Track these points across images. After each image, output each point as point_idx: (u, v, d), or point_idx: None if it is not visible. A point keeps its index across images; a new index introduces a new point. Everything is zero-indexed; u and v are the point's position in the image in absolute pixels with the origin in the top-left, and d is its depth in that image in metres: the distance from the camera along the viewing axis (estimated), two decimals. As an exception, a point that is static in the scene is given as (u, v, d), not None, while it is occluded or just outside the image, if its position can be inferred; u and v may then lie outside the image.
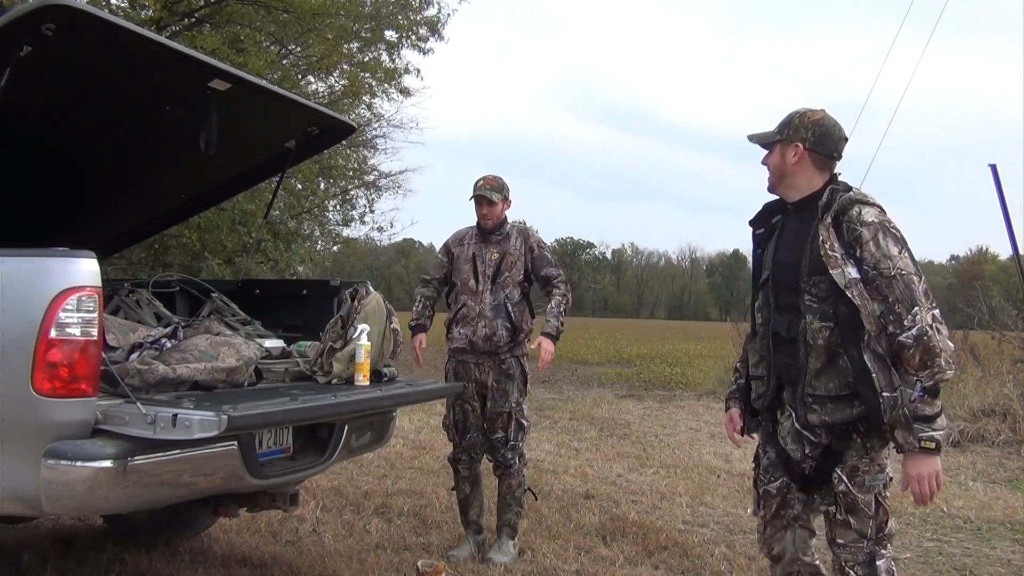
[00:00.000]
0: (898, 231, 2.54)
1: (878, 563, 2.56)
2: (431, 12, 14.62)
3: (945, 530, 5.24)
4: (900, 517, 5.47)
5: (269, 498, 3.38)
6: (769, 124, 2.79)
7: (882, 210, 2.58)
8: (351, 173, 16.08)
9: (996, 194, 8.30)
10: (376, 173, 17.04)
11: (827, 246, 2.54)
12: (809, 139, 2.64)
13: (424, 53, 14.58)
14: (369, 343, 3.45)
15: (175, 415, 2.51)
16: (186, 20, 11.12)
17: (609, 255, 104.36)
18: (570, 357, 18.20)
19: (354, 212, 16.41)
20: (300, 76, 13.22)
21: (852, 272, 2.51)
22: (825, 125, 2.66)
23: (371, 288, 3.76)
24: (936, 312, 2.47)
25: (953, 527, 5.31)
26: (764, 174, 2.77)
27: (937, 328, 2.43)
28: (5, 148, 3.36)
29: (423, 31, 14.54)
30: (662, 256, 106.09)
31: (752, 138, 2.78)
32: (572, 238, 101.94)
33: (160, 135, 3.73)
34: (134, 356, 3.08)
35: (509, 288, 4.26)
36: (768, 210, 2.81)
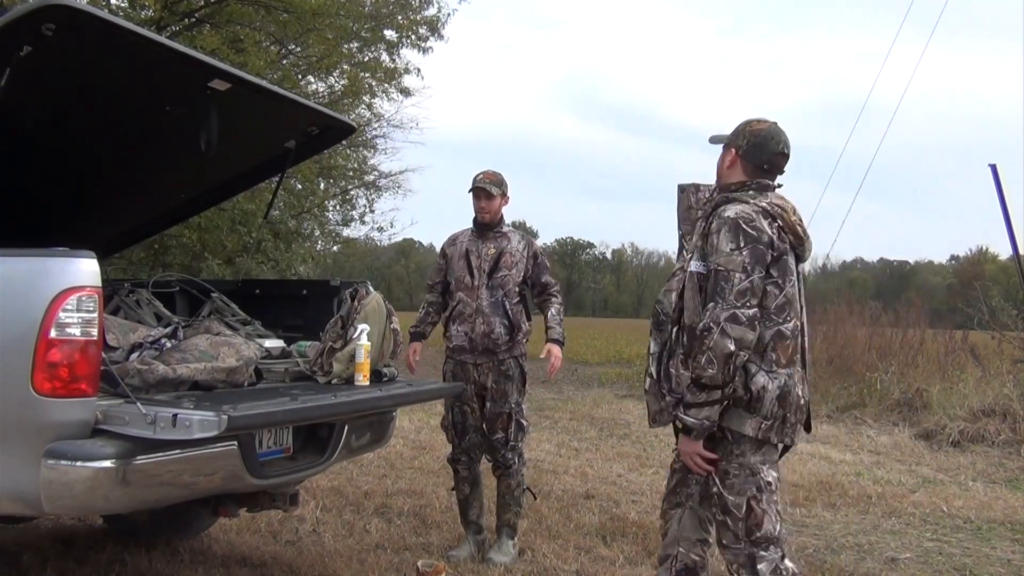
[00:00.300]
0: (752, 230, 2.55)
1: (759, 566, 2.59)
2: (431, 12, 14.64)
3: (945, 530, 5.23)
4: (900, 517, 5.48)
5: (269, 498, 3.38)
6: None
7: (762, 211, 2.59)
8: (351, 173, 16.08)
9: (996, 194, 8.31)
10: (376, 173, 17.05)
11: (687, 239, 2.73)
12: (743, 146, 2.71)
13: (424, 52, 14.58)
14: (369, 343, 3.45)
15: (175, 415, 2.51)
16: (186, 20, 11.12)
17: (609, 255, 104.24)
18: (570, 357, 18.19)
19: (354, 212, 16.42)
20: (300, 76, 13.22)
21: (692, 266, 2.64)
22: (762, 136, 2.71)
23: (371, 288, 3.76)
24: (740, 312, 2.49)
25: (953, 527, 5.31)
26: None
27: (723, 328, 2.47)
28: (5, 148, 3.36)
29: (423, 31, 14.54)
30: (662, 256, 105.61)
31: (713, 139, 2.86)
32: (572, 238, 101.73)
33: (160, 135, 3.73)
34: (134, 356, 3.08)
35: (508, 287, 4.25)
36: None
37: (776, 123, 2.75)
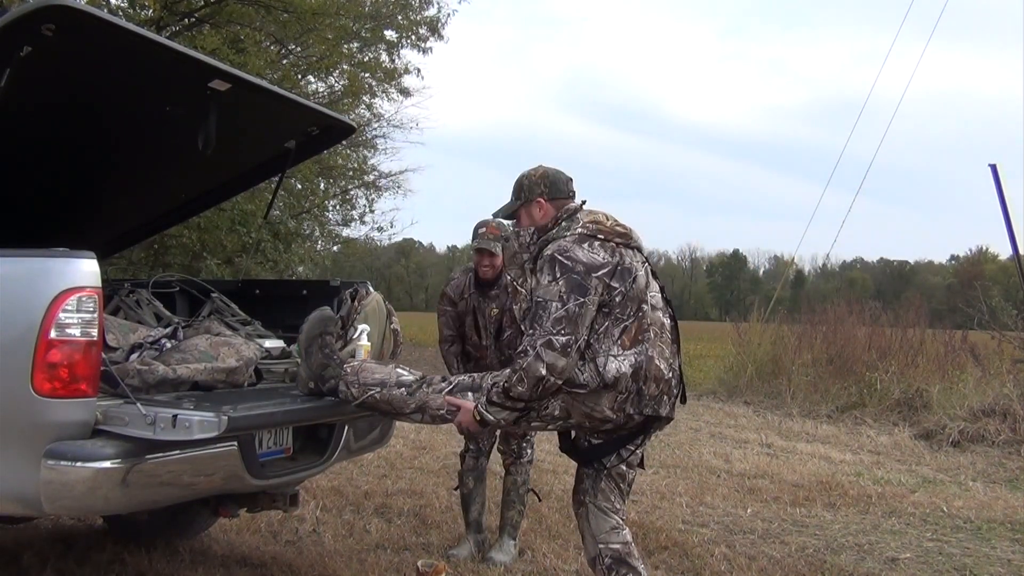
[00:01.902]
0: (567, 260, 2.71)
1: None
2: (431, 12, 14.64)
3: (945, 530, 5.23)
4: (900, 517, 5.48)
5: (269, 498, 3.38)
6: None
7: (579, 237, 2.78)
8: (351, 173, 16.09)
9: (996, 194, 8.32)
10: (376, 173, 17.07)
11: (518, 282, 3.07)
12: (545, 191, 2.97)
13: (424, 52, 14.60)
14: (369, 343, 3.45)
15: (175, 416, 2.51)
16: (186, 20, 11.12)
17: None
18: (570, 357, 18.15)
19: (354, 212, 16.44)
20: (300, 76, 13.22)
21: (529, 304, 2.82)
22: (551, 174, 2.99)
23: (371, 288, 3.76)
24: (554, 339, 2.63)
25: (953, 527, 5.31)
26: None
27: (538, 352, 2.63)
28: (5, 148, 3.36)
29: (423, 31, 14.55)
30: (662, 256, 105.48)
31: (498, 214, 3.11)
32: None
33: (160, 135, 3.72)
34: (134, 356, 3.08)
35: (515, 345, 4.23)
36: None
37: (541, 164, 3.05)
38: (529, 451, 4.33)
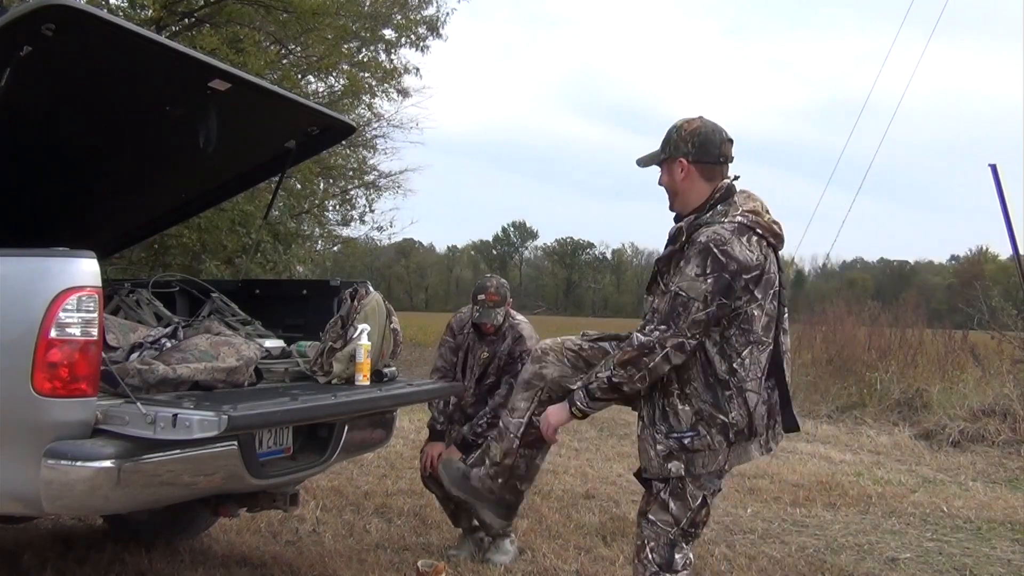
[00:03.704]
0: (721, 256, 2.45)
1: (676, 555, 2.64)
2: (430, 11, 14.65)
3: (945, 530, 5.23)
4: (900, 517, 5.48)
5: (269, 498, 3.38)
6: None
7: (738, 228, 2.49)
8: (351, 173, 16.08)
9: (996, 194, 8.32)
10: (376, 173, 17.05)
11: (663, 276, 2.62)
12: (691, 152, 2.61)
13: (422, 52, 14.59)
14: (369, 343, 3.45)
15: (175, 415, 2.51)
16: (186, 20, 11.12)
17: (609, 255, 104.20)
18: (570, 357, 18.16)
19: (354, 212, 16.41)
20: (300, 76, 13.22)
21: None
22: (704, 133, 2.62)
23: (371, 288, 3.76)
24: (687, 343, 2.45)
25: (953, 527, 5.31)
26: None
27: (667, 355, 2.45)
28: (5, 148, 3.36)
29: (422, 30, 14.55)
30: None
31: (640, 162, 2.75)
32: (572, 238, 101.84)
33: (160, 135, 3.73)
34: (134, 356, 3.08)
35: (495, 391, 4.26)
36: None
37: (701, 116, 2.67)
38: None
